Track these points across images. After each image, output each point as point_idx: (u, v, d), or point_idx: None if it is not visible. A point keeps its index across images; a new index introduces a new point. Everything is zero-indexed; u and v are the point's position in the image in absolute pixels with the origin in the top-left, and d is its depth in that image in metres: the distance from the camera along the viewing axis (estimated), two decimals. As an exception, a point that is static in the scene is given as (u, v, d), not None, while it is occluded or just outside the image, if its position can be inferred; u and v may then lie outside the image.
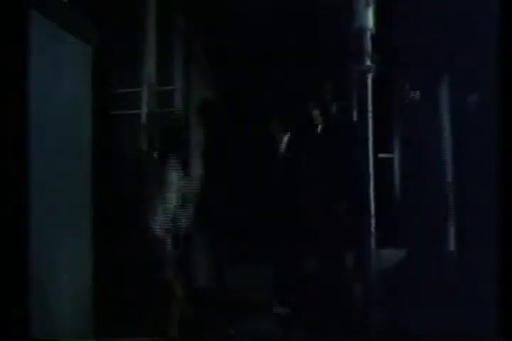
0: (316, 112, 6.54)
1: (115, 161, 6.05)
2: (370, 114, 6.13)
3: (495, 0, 5.38)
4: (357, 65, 6.23)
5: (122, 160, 6.14)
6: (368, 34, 6.20)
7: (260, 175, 6.38)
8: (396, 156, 6.48)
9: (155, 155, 6.14)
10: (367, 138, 6.14)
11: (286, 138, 6.30)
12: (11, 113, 4.85)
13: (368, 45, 6.20)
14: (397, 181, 6.44)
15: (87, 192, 5.72)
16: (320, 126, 6.61)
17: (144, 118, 6.24)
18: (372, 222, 6.06)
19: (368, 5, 6.18)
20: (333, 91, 6.57)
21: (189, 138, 6.57)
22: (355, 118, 6.28)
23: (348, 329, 5.69)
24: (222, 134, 6.53)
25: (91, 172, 5.68)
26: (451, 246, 6.18)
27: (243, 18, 6.61)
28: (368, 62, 6.20)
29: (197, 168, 6.45)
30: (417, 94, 6.31)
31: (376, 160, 6.18)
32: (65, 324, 5.17)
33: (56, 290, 5.19)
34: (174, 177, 6.02)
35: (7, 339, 4.63)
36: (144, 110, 6.24)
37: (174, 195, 5.98)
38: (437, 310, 5.68)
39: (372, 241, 6.06)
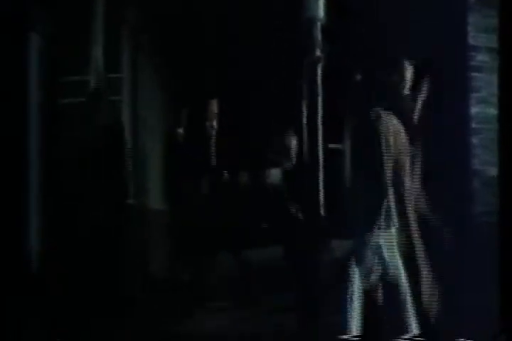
0: None
1: (63, 150, 5.96)
2: (320, 105, 6.12)
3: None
4: (307, 55, 6.20)
5: (71, 149, 6.05)
6: (318, 24, 6.18)
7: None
8: (346, 147, 6.48)
9: None
10: (316, 129, 6.13)
11: None
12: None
13: (318, 35, 6.18)
14: (347, 172, 6.44)
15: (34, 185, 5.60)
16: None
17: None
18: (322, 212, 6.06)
19: (318, -5, 6.17)
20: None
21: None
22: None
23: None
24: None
25: (38, 162, 5.56)
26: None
27: (192, 7, 6.56)
28: (318, 53, 6.18)
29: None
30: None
31: (326, 150, 6.18)
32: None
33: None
34: None
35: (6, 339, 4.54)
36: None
37: None
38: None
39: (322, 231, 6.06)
